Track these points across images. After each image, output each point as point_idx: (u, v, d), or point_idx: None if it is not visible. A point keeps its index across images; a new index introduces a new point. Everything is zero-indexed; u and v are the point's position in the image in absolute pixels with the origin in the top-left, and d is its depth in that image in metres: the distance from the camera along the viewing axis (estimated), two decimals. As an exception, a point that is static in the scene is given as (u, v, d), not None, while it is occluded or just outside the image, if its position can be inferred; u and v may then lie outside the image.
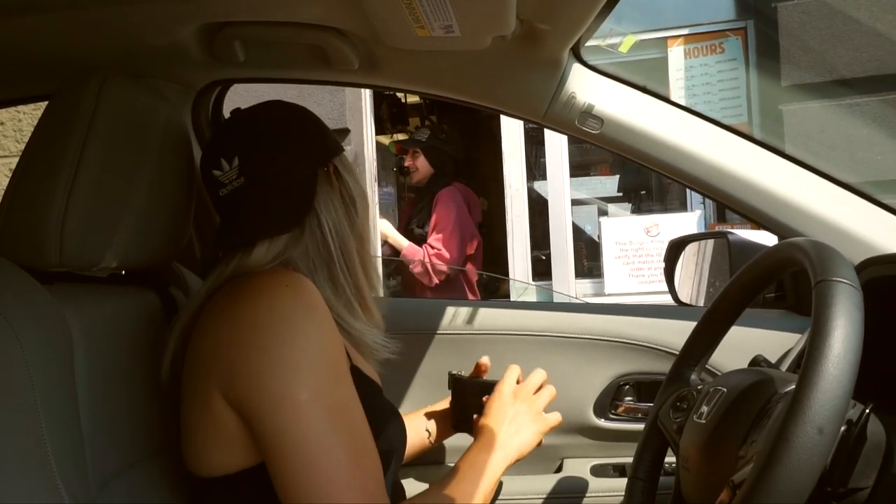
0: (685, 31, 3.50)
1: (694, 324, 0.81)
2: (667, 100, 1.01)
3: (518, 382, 0.91)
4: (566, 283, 3.41)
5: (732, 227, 2.95)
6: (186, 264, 0.95)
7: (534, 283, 3.41)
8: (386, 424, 0.75)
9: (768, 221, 0.99)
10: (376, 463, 0.68)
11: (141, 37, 0.87)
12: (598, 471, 1.09)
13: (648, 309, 1.13)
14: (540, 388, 0.91)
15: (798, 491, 0.49)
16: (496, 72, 0.98)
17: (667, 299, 1.21)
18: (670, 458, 0.80)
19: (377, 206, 3.13)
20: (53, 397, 0.58)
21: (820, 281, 0.55)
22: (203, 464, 0.68)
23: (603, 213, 3.66)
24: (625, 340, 1.08)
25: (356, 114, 3.01)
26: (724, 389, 0.68)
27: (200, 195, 0.85)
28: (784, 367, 0.87)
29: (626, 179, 3.75)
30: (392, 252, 2.55)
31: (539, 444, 0.90)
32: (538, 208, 3.54)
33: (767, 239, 1.05)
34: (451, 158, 2.64)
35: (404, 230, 2.59)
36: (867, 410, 0.55)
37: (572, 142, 3.39)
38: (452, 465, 0.83)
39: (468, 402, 0.95)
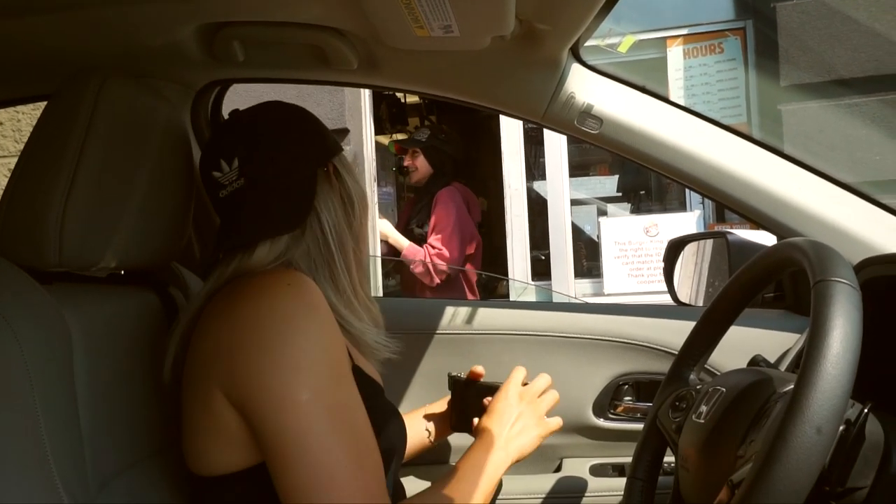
0: (684, 31, 3.50)
1: (693, 324, 0.81)
2: (666, 100, 1.01)
3: (523, 385, 0.91)
4: (565, 283, 3.41)
5: (731, 227, 2.96)
6: (186, 264, 0.95)
7: (533, 283, 3.41)
8: (387, 424, 0.75)
9: (767, 221, 0.99)
10: (378, 463, 0.68)
11: (140, 37, 0.87)
12: (597, 470, 1.09)
13: (648, 309, 1.13)
14: (544, 392, 0.91)
15: (797, 490, 0.49)
16: (495, 72, 0.98)
17: (666, 299, 1.21)
18: (669, 458, 0.80)
19: (376, 206, 3.13)
20: (52, 397, 0.58)
21: (819, 281, 0.55)
22: (204, 463, 0.68)
23: (602, 213, 3.66)
24: (624, 340, 1.09)
25: (355, 114, 3.01)
26: (723, 389, 0.68)
27: (200, 195, 0.85)
28: (783, 366, 0.87)
29: (626, 179, 3.75)
30: (391, 251, 2.55)
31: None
32: (537, 208, 3.54)
33: (766, 239, 1.05)
34: (451, 158, 2.64)
35: (404, 230, 2.59)
36: (865, 410, 0.55)
37: (571, 142, 3.39)
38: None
39: (468, 403, 0.95)
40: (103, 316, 0.71)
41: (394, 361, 0.82)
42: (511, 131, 3.42)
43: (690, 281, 1.21)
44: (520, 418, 0.86)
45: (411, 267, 2.45)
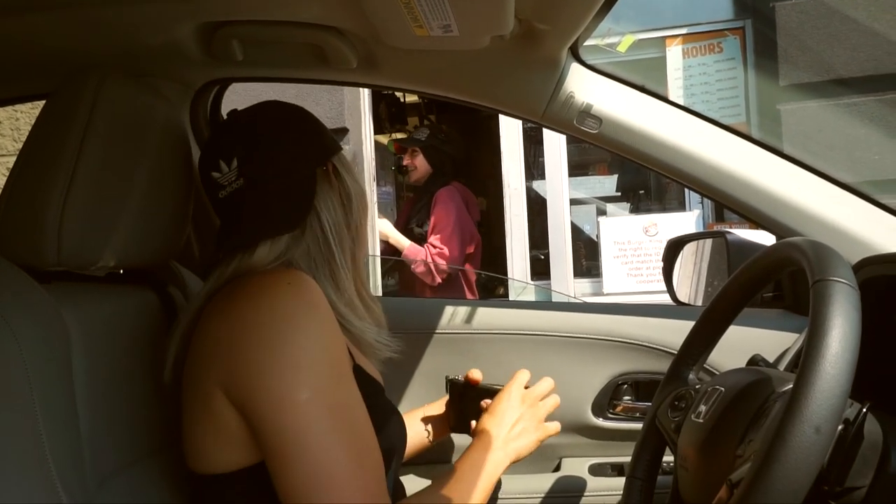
0: (683, 31, 3.50)
1: (692, 323, 0.81)
2: (665, 99, 1.01)
3: (526, 388, 0.92)
4: (565, 282, 3.41)
5: (731, 227, 2.96)
6: (185, 263, 0.95)
7: (532, 282, 3.41)
8: (387, 423, 0.75)
9: (766, 221, 0.99)
10: (378, 462, 0.68)
11: (139, 36, 0.86)
12: (596, 470, 1.09)
13: (647, 308, 1.13)
14: (546, 396, 0.92)
15: (795, 490, 0.49)
16: (495, 71, 0.98)
17: (665, 299, 1.21)
18: (668, 458, 0.80)
19: (376, 206, 3.13)
20: (51, 397, 0.58)
21: (817, 280, 0.55)
22: (203, 461, 0.68)
23: (601, 212, 3.66)
24: (623, 340, 1.09)
25: (355, 113, 3.01)
26: (722, 389, 0.68)
27: (199, 194, 0.84)
28: (782, 366, 0.87)
29: (625, 179, 3.75)
30: (391, 251, 2.55)
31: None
32: (537, 208, 3.54)
33: (766, 238, 1.05)
34: (450, 158, 2.64)
35: (403, 229, 2.59)
36: (864, 410, 0.55)
37: (571, 141, 3.39)
38: (456, 463, 0.83)
39: (467, 405, 0.95)
40: (102, 315, 0.71)
41: (393, 361, 0.82)
42: (510, 131, 3.42)
43: (689, 280, 1.21)
44: (520, 420, 0.87)
45: (413, 267, 2.45)
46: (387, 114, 3.55)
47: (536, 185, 3.61)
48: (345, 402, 0.67)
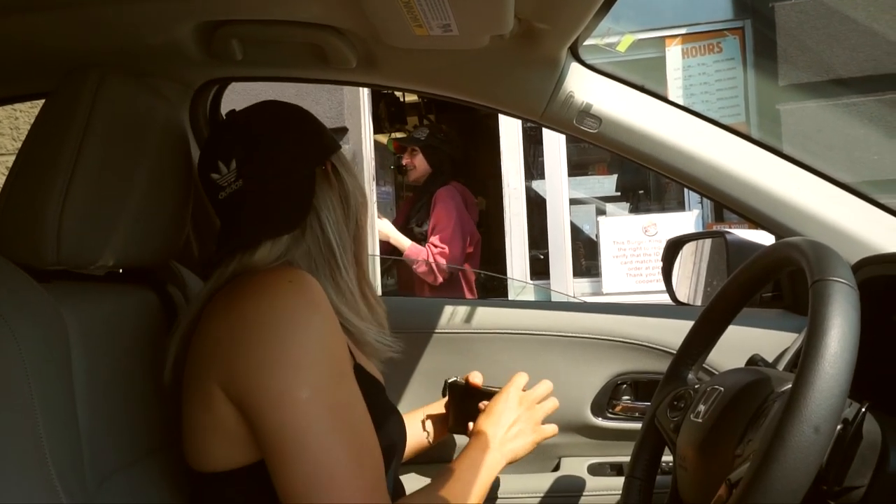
0: (683, 31, 3.50)
1: (691, 323, 0.81)
2: (665, 99, 1.01)
3: (524, 390, 0.92)
4: (564, 282, 3.42)
5: (730, 227, 2.96)
6: (184, 263, 0.95)
7: (532, 282, 3.41)
8: (387, 422, 0.75)
9: (766, 221, 0.99)
10: (378, 461, 0.68)
11: (139, 35, 0.86)
12: (595, 469, 1.09)
13: (646, 308, 1.13)
14: (543, 398, 0.92)
15: (794, 489, 0.49)
16: (494, 71, 0.98)
17: (664, 299, 1.21)
18: (667, 457, 0.80)
19: (375, 205, 3.13)
20: (51, 396, 0.58)
21: (817, 280, 0.55)
22: (203, 460, 0.68)
23: (601, 212, 3.66)
24: (622, 339, 1.09)
25: (354, 112, 3.01)
26: (722, 388, 0.69)
27: (198, 194, 0.84)
28: (781, 366, 0.87)
29: (625, 179, 3.75)
30: (392, 251, 2.55)
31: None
32: (536, 207, 3.54)
33: (765, 238, 1.05)
34: (449, 158, 2.64)
35: (403, 229, 2.60)
36: (863, 409, 0.55)
37: (570, 141, 3.39)
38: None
39: (467, 407, 0.95)
40: (102, 314, 0.71)
41: (393, 360, 0.82)
42: (510, 130, 3.42)
43: (689, 280, 1.21)
44: (517, 422, 0.88)
45: (414, 267, 2.46)
46: (386, 113, 3.55)
47: (536, 184, 3.61)
48: (345, 400, 0.67)
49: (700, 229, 3.31)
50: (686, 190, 3.37)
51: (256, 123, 0.76)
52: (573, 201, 3.56)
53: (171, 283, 0.87)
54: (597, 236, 3.48)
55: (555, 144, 3.43)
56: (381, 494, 0.66)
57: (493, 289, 3.29)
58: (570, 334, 1.10)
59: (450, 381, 1.00)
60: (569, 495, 1.06)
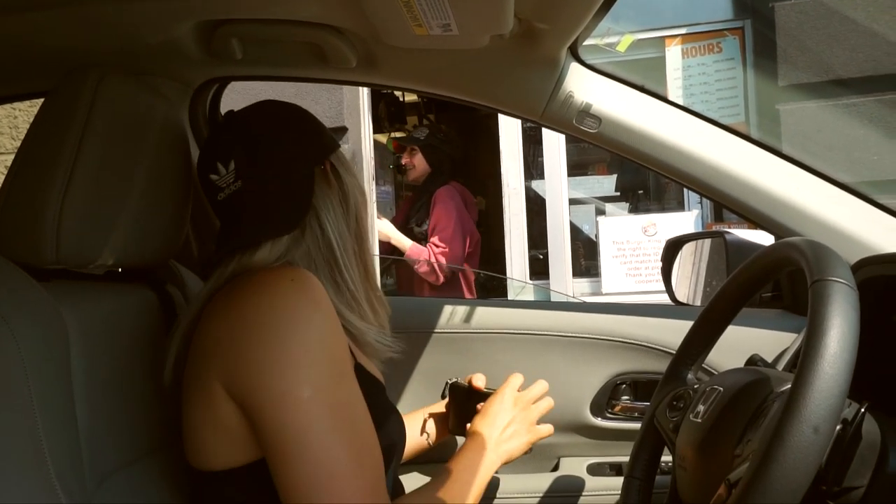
0: (683, 31, 3.51)
1: (691, 323, 0.81)
2: (664, 99, 1.01)
3: (519, 391, 0.92)
4: (563, 282, 3.42)
5: (730, 227, 2.96)
6: (184, 262, 0.95)
7: (531, 282, 3.41)
8: (386, 421, 0.75)
9: (765, 221, 0.99)
10: (378, 461, 0.68)
11: (138, 34, 0.86)
12: (594, 469, 1.10)
13: (645, 308, 1.13)
14: (539, 399, 0.92)
15: (793, 490, 0.49)
16: (494, 70, 0.98)
17: (664, 299, 1.21)
18: (667, 457, 0.80)
19: (375, 205, 3.13)
20: (50, 395, 0.58)
21: (816, 280, 0.55)
22: (203, 458, 0.68)
23: (600, 212, 3.66)
24: (622, 339, 1.09)
25: (354, 112, 3.01)
26: (721, 388, 0.69)
27: (198, 193, 0.84)
28: (780, 366, 0.87)
29: (624, 179, 3.75)
30: (392, 251, 2.55)
31: (530, 449, 0.91)
32: (536, 207, 3.54)
33: (764, 238, 1.05)
34: (449, 157, 2.64)
35: (402, 228, 2.60)
36: (862, 410, 0.55)
37: (570, 141, 3.39)
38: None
39: (468, 409, 0.95)
40: (101, 313, 0.71)
41: (392, 360, 0.82)
42: (509, 130, 3.42)
43: (688, 280, 1.21)
44: (512, 423, 0.88)
45: (416, 267, 2.46)
46: (386, 113, 3.55)
47: (535, 184, 3.61)
48: (346, 400, 0.67)
49: (699, 229, 3.31)
50: (685, 190, 3.37)
51: (254, 124, 0.76)
52: (573, 201, 3.56)
53: (170, 282, 0.87)
54: (596, 236, 3.48)
55: (554, 144, 3.43)
56: (380, 494, 0.66)
57: (493, 288, 3.29)
58: (569, 334, 1.10)
59: (451, 382, 0.99)
60: (568, 495, 1.06)
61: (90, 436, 0.64)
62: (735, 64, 3.42)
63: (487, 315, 1.13)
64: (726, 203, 1.00)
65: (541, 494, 1.06)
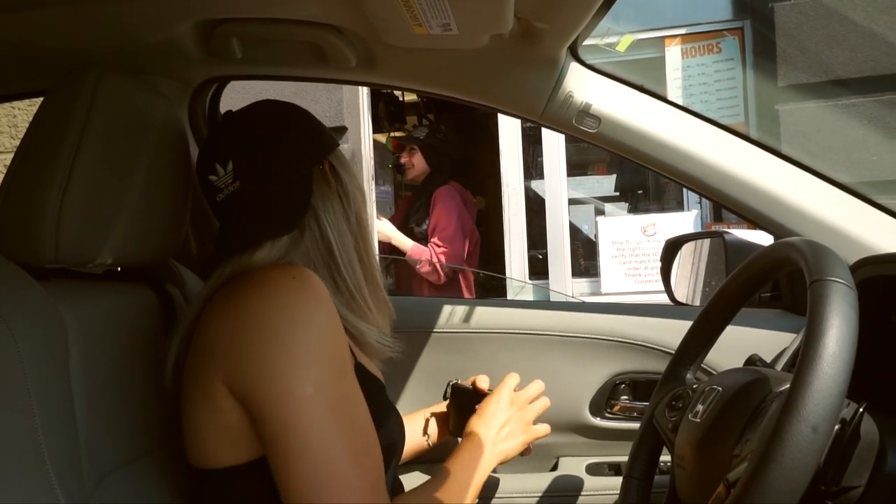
0: (682, 31, 3.51)
1: (690, 323, 0.81)
2: (664, 99, 1.01)
3: (515, 391, 0.92)
4: (563, 281, 3.42)
5: (729, 227, 2.96)
6: (183, 262, 0.95)
7: (530, 281, 3.41)
8: (386, 420, 0.75)
9: (764, 221, 0.99)
10: (378, 460, 0.68)
11: (138, 33, 0.86)
12: (593, 469, 1.10)
13: (645, 308, 1.13)
14: (535, 399, 0.92)
15: (792, 489, 0.49)
16: (494, 70, 0.98)
17: (663, 299, 1.21)
18: (665, 457, 0.80)
19: (374, 205, 3.13)
20: (49, 395, 0.58)
21: (815, 280, 0.55)
22: (203, 456, 0.68)
23: (600, 212, 3.66)
24: (621, 339, 1.09)
25: (353, 112, 3.00)
26: (720, 388, 0.69)
27: (197, 192, 0.84)
28: (779, 366, 0.87)
29: (623, 179, 3.75)
30: (391, 251, 2.55)
31: (529, 450, 0.91)
32: (535, 207, 3.54)
33: (764, 238, 1.05)
34: (448, 157, 2.64)
35: (402, 228, 2.60)
36: (861, 409, 0.55)
37: (569, 141, 3.39)
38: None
39: (469, 411, 0.95)
40: (100, 313, 0.71)
41: (391, 359, 0.82)
42: (509, 130, 3.42)
43: (687, 280, 1.21)
44: (508, 423, 0.88)
45: (417, 266, 2.46)
46: (385, 113, 3.55)
47: (535, 184, 3.61)
48: (347, 398, 0.67)
49: (699, 229, 3.31)
50: (685, 190, 3.38)
51: (252, 124, 0.76)
52: (572, 201, 3.57)
53: (169, 281, 0.87)
54: (595, 236, 3.48)
55: (554, 144, 3.43)
56: (380, 493, 0.66)
57: (492, 288, 3.30)
58: (568, 334, 1.10)
59: (452, 382, 0.99)
60: (567, 495, 1.06)
61: (89, 435, 0.64)
62: (734, 64, 3.42)
63: (487, 315, 1.13)
64: (725, 203, 1.00)
65: (540, 494, 1.06)
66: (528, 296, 3.49)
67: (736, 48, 3.42)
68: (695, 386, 0.77)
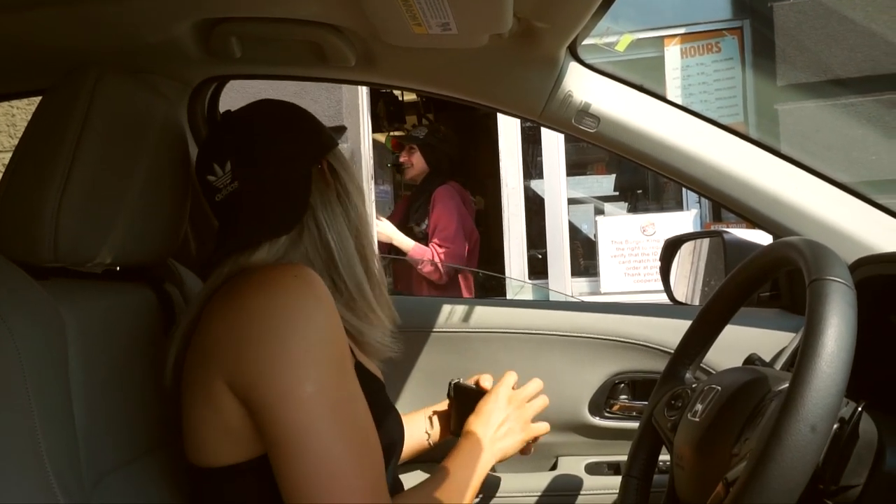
0: (682, 31, 3.51)
1: (689, 322, 0.81)
2: (663, 99, 1.01)
3: (513, 389, 0.92)
4: (562, 281, 3.42)
5: (728, 226, 2.96)
6: (182, 261, 0.95)
7: (530, 281, 3.41)
8: (386, 419, 0.75)
9: (763, 220, 0.99)
10: (379, 458, 0.68)
11: (137, 33, 0.86)
12: (592, 469, 1.10)
13: (644, 307, 1.13)
14: (534, 397, 0.92)
15: (791, 489, 0.49)
16: (493, 70, 0.98)
17: (662, 298, 1.22)
18: (664, 457, 0.80)
19: (373, 204, 3.13)
20: (48, 394, 0.58)
21: (814, 280, 0.55)
22: (203, 455, 0.68)
23: (599, 211, 3.66)
24: (620, 339, 1.09)
25: (353, 111, 3.00)
26: (719, 388, 0.69)
27: (196, 191, 0.84)
28: (778, 365, 0.87)
29: (623, 178, 3.76)
30: (391, 251, 2.55)
31: (529, 448, 0.91)
32: (535, 207, 3.55)
33: (763, 238, 1.06)
34: (447, 157, 2.65)
35: (402, 228, 2.60)
36: (859, 409, 0.55)
37: (569, 140, 3.40)
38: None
39: (471, 409, 0.95)
40: (99, 312, 0.71)
41: (391, 359, 0.82)
42: (508, 130, 3.42)
43: (687, 280, 1.22)
44: (506, 421, 0.88)
45: (420, 266, 2.46)
46: (385, 112, 3.55)
47: (534, 184, 3.61)
48: (348, 397, 0.67)
49: (698, 229, 3.31)
50: (684, 190, 3.38)
51: (250, 124, 0.76)
52: (571, 201, 3.57)
53: (168, 281, 0.87)
54: (595, 236, 3.48)
55: (553, 144, 3.43)
56: (381, 491, 0.66)
57: (492, 288, 3.30)
58: (568, 333, 1.10)
59: (454, 382, 0.99)
60: (566, 494, 1.06)
61: (88, 435, 0.64)
62: (734, 64, 3.42)
63: (486, 314, 1.13)
64: (725, 202, 1.00)
65: (539, 493, 1.06)
66: (528, 295, 3.49)
67: (735, 48, 3.42)
68: (694, 385, 0.77)
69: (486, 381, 0.97)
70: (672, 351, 0.83)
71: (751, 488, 0.50)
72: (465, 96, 1.04)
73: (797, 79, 3.19)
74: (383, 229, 2.52)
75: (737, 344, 0.90)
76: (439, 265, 2.43)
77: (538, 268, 3.50)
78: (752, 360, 0.77)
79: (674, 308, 1.16)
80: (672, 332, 1.04)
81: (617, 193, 3.75)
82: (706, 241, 1.20)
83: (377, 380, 0.79)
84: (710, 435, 0.65)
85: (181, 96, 1.05)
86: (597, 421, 1.10)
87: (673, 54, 3.51)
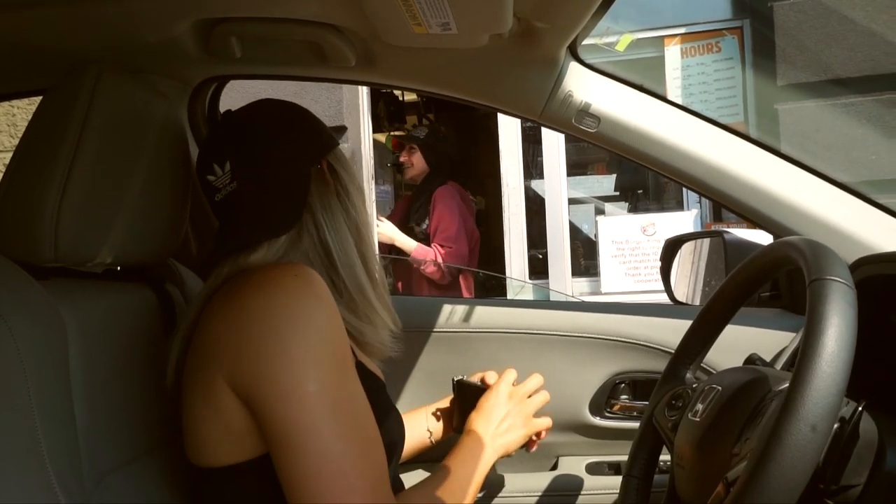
0: (682, 30, 3.51)
1: (689, 322, 0.81)
2: (663, 98, 1.01)
3: (514, 385, 0.92)
4: (563, 281, 3.42)
5: (728, 226, 2.96)
6: (182, 261, 0.95)
7: (530, 281, 3.41)
8: (387, 418, 0.75)
9: (764, 220, 0.99)
10: (382, 457, 0.68)
11: (137, 32, 0.86)
12: (593, 468, 1.10)
13: (644, 307, 1.13)
14: (534, 392, 0.92)
15: (791, 488, 0.49)
16: (493, 69, 0.98)
17: (663, 298, 1.22)
18: (665, 456, 0.80)
19: (374, 204, 3.13)
20: (48, 394, 0.58)
21: (814, 279, 0.55)
22: (204, 454, 0.68)
23: (600, 211, 3.66)
24: (621, 339, 1.09)
25: (353, 111, 3.00)
26: (719, 387, 0.69)
27: (196, 191, 0.84)
28: (778, 365, 0.87)
29: (623, 178, 3.76)
30: (392, 251, 2.55)
31: (532, 443, 0.91)
32: (535, 207, 3.55)
33: (763, 238, 1.05)
34: (447, 157, 2.65)
35: (402, 228, 2.60)
36: (860, 408, 0.55)
37: (569, 140, 3.40)
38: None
39: (473, 406, 0.95)
40: (100, 312, 0.71)
41: (391, 358, 0.82)
42: (509, 130, 3.42)
43: (687, 280, 1.22)
44: (507, 417, 0.88)
45: (422, 267, 2.46)
46: (385, 112, 3.55)
47: (535, 184, 3.61)
48: (350, 396, 0.67)
49: (698, 229, 3.32)
50: (684, 189, 3.38)
51: (249, 124, 0.76)
52: (572, 201, 3.57)
53: (169, 281, 0.87)
54: (595, 236, 3.48)
55: (554, 144, 3.43)
56: (384, 490, 0.66)
57: (492, 288, 3.30)
58: (568, 333, 1.10)
59: (457, 379, 0.99)
60: (567, 494, 1.06)
61: (89, 434, 0.64)
62: (734, 63, 3.42)
63: (486, 314, 1.13)
64: (725, 202, 1.00)
65: (539, 493, 1.06)
66: (528, 295, 3.49)
67: (735, 47, 3.42)
68: (694, 385, 0.77)
69: (490, 378, 0.97)
70: (672, 351, 0.83)
71: (751, 488, 0.50)
72: (465, 96, 1.04)
73: (797, 78, 3.19)
74: (385, 230, 2.52)
75: (737, 344, 0.90)
76: (442, 265, 2.44)
77: (539, 268, 3.50)
78: (752, 359, 0.77)
79: (674, 308, 1.16)
80: (672, 332, 1.04)
81: (617, 193, 3.75)
82: (707, 241, 1.20)
83: (378, 379, 0.79)
84: (711, 435, 0.65)
85: (181, 96, 1.05)
86: (597, 421, 1.10)
87: (673, 54, 3.51)
